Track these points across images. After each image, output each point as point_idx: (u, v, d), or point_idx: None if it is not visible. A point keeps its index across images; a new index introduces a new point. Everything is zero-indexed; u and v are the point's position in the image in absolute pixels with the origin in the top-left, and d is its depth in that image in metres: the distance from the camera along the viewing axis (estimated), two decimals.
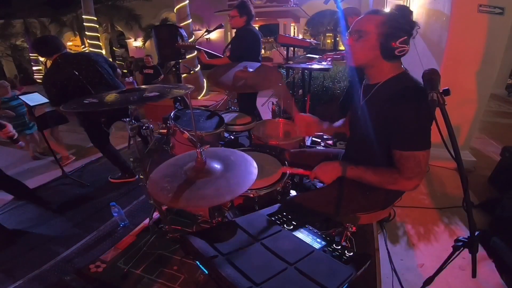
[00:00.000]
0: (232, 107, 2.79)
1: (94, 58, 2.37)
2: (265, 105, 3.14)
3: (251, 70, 1.88)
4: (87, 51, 11.36)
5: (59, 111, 2.66)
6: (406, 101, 0.98)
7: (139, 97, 1.16)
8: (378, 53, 1.03)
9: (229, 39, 11.76)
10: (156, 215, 1.97)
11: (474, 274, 0.88)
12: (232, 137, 2.17)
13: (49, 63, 2.29)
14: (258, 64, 2.03)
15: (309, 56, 3.02)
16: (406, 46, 1.00)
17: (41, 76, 12.31)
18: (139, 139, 1.63)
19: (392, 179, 1.06)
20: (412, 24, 1.00)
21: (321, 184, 1.49)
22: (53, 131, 3.42)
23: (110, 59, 2.72)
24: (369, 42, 1.03)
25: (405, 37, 0.99)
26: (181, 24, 5.57)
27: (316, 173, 1.20)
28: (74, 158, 3.49)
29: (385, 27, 1.00)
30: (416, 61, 3.28)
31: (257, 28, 2.80)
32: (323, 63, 2.74)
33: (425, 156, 1.00)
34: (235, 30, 2.69)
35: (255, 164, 1.10)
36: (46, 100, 2.96)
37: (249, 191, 1.31)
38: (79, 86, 2.20)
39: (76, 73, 2.21)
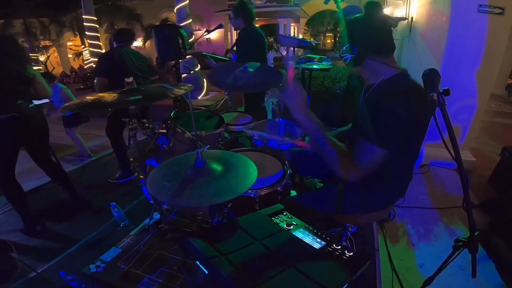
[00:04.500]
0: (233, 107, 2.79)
1: (143, 58, 2.74)
2: (264, 105, 3.14)
3: (251, 70, 1.88)
4: (87, 51, 11.39)
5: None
6: (392, 100, 0.98)
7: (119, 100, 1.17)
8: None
9: (229, 39, 11.78)
10: (156, 215, 1.97)
11: (474, 274, 0.88)
12: (232, 137, 2.16)
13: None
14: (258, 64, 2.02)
15: (309, 56, 3.02)
16: (347, 54, 1.06)
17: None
18: (143, 137, 1.65)
19: (343, 158, 1.01)
20: (358, 32, 1.04)
21: (321, 185, 1.49)
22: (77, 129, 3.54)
23: None
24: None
25: (348, 45, 1.04)
26: (181, 24, 5.57)
27: (289, 92, 1.02)
28: (94, 158, 3.53)
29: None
30: (416, 61, 3.29)
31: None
32: (323, 63, 2.74)
33: (380, 154, 0.98)
34: (236, 31, 2.71)
35: (254, 165, 1.10)
36: (46, 100, 2.97)
37: (249, 191, 1.31)
38: (126, 74, 2.43)
39: (128, 61, 2.51)
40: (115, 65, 2.44)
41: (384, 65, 1.06)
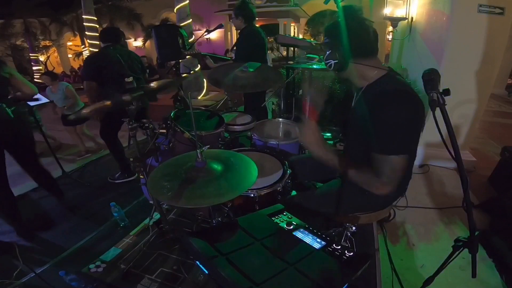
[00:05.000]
0: (233, 108, 2.79)
1: (134, 57, 2.63)
2: (264, 105, 3.14)
3: (251, 70, 1.88)
4: (86, 51, 11.38)
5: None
6: (383, 105, 0.98)
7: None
8: None
9: (229, 39, 11.78)
10: (156, 215, 1.97)
11: (474, 274, 0.88)
12: (232, 137, 2.16)
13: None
14: (258, 64, 2.02)
15: (309, 56, 3.02)
16: (330, 60, 1.09)
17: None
18: (143, 137, 1.64)
19: (370, 181, 1.04)
20: (337, 37, 1.04)
21: (321, 184, 1.49)
22: (79, 127, 3.51)
23: None
24: None
25: (329, 51, 1.07)
26: (181, 24, 5.57)
27: (303, 126, 1.11)
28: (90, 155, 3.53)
29: None
30: (416, 61, 3.29)
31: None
32: (323, 63, 2.73)
33: (399, 162, 0.98)
34: (237, 31, 2.71)
35: (255, 165, 1.10)
36: (47, 100, 2.97)
37: (249, 191, 1.31)
38: (115, 74, 2.38)
39: (116, 61, 2.40)
40: (101, 67, 2.35)
41: (369, 67, 1.06)
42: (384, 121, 0.97)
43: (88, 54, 2.61)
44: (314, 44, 2.84)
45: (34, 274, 1.65)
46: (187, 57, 2.58)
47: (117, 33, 2.61)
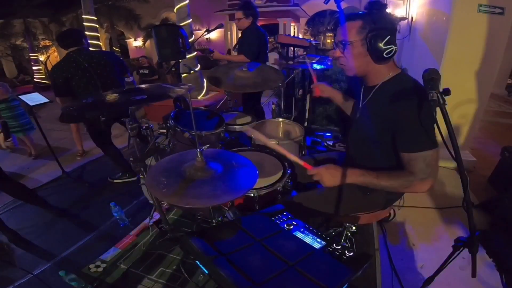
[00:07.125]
0: (233, 108, 2.80)
1: (106, 58, 2.41)
2: (265, 105, 3.14)
3: (251, 70, 1.89)
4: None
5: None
6: (407, 102, 0.98)
7: (125, 100, 1.16)
8: (368, 59, 1.04)
9: (229, 39, 11.77)
10: (156, 215, 1.97)
11: (474, 274, 0.88)
12: (233, 137, 2.16)
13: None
14: (259, 64, 2.03)
15: (309, 56, 3.02)
16: (392, 45, 0.99)
17: (41, 76, 12.31)
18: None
19: (407, 182, 1.02)
20: (392, 21, 1.02)
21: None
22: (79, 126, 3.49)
23: None
24: (356, 50, 1.04)
25: (389, 36, 0.98)
26: (181, 24, 5.57)
27: (319, 172, 1.08)
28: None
29: (366, 31, 1.00)
30: (416, 61, 3.29)
31: None
32: (323, 63, 2.73)
33: (434, 155, 0.98)
34: (241, 30, 2.73)
35: (255, 167, 1.10)
36: (46, 100, 2.97)
37: (249, 191, 1.31)
38: (84, 82, 2.28)
39: (83, 68, 2.26)
40: (69, 78, 2.19)
41: (387, 64, 1.06)
42: (414, 118, 0.96)
43: (54, 65, 2.35)
44: (313, 44, 2.85)
45: (31, 276, 1.64)
46: (195, 53, 2.62)
47: (77, 34, 2.38)
